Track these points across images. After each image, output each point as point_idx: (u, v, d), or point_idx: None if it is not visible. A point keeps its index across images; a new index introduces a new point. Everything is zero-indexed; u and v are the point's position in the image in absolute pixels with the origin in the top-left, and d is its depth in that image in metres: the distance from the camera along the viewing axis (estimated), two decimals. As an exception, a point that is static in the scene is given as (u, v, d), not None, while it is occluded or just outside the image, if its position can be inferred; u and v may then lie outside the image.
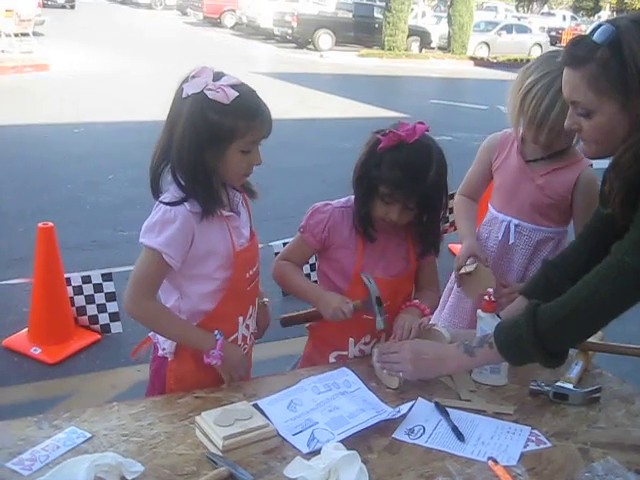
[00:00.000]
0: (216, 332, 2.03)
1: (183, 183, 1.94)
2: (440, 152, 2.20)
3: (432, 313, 2.46)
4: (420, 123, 2.17)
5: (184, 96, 1.91)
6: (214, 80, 1.91)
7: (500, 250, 2.68)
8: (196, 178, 1.93)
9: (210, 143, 1.91)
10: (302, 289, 2.33)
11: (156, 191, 2.01)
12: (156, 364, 2.14)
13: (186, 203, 1.94)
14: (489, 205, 2.79)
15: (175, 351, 2.08)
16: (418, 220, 2.26)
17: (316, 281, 2.49)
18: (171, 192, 1.96)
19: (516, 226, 2.63)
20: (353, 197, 2.31)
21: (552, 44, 31.21)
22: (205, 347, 2.02)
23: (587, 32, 1.82)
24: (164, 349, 2.09)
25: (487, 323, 2.13)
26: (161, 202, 1.95)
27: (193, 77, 1.92)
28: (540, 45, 30.30)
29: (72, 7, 33.50)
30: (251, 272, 2.13)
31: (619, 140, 1.75)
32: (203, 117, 1.88)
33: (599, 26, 1.75)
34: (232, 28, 33.44)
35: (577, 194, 2.53)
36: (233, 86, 1.91)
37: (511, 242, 2.64)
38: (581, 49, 1.77)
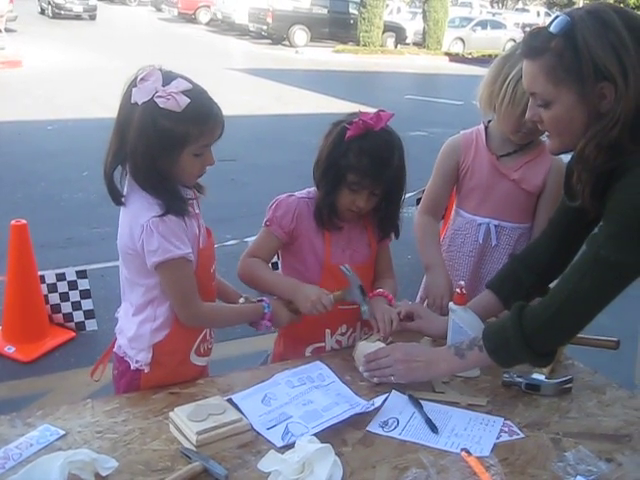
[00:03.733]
0: (264, 304, 2.17)
1: (147, 187, 1.92)
2: (398, 137, 2.23)
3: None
4: (382, 110, 2.19)
5: (133, 102, 1.86)
6: (164, 84, 1.86)
7: (480, 253, 2.63)
8: (156, 182, 1.91)
9: (163, 150, 1.88)
10: (275, 284, 2.30)
11: (116, 196, 1.98)
12: (128, 378, 2.08)
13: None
14: (458, 210, 2.71)
15: (151, 361, 2.04)
16: (380, 205, 2.27)
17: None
18: (140, 199, 1.93)
19: (496, 226, 2.58)
20: (314, 189, 2.32)
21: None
22: (257, 320, 2.17)
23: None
24: (138, 361, 2.04)
25: (458, 316, 2.15)
26: (151, 219, 1.88)
27: (142, 79, 1.87)
28: (514, 41, 30.16)
29: (93, 19, 29.99)
30: (212, 268, 2.14)
31: (579, 131, 1.76)
32: (155, 125, 1.84)
33: (556, 17, 1.77)
34: (207, 24, 33.31)
35: (550, 182, 2.51)
36: (184, 91, 1.86)
37: (494, 244, 2.59)
38: (538, 40, 1.78)
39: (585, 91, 1.71)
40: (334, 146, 2.19)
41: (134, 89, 1.87)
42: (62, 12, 28.97)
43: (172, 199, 1.92)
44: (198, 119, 1.89)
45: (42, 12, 30.35)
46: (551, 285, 2.10)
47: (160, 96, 1.84)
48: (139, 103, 1.85)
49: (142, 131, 1.86)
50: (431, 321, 2.31)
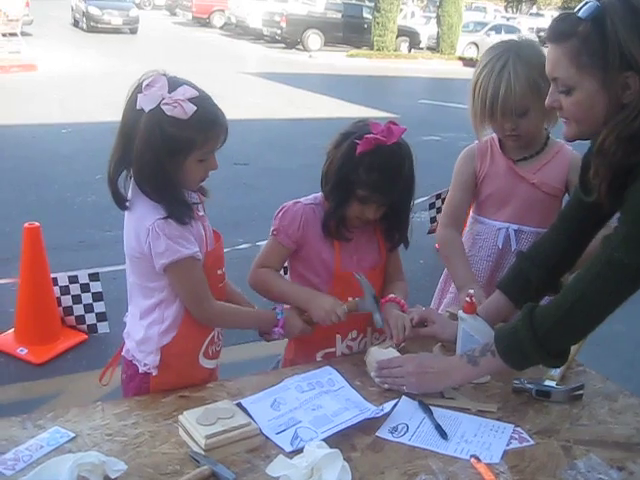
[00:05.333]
0: (277, 311, 2.18)
1: (150, 192, 1.93)
2: (407, 145, 2.21)
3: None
4: (393, 123, 2.17)
5: (138, 108, 1.87)
6: (170, 90, 1.86)
7: (497, 258, 2.61)
8: (161, 188, 1.92)
9: (169, 156, 1.89)
10: (289, 292, 2.30)
11: (120, 201, 1.99)
12: (137, 381, 2.09)
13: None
14: (476, 217, 2.69)
15: (159, 364, 2.05)
16: (389, 214, 2.27)
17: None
18: (144, 203, 1.94)
19: (515, 231, 2.56)
20: (320, 194, 2.32)
21: (541, 44, 31.25)
22: (269, 327, 2.19)
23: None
24: (146, 364, 2.06)
25: (468, 324, 2.14)
26: (156, 222, 1.90)
27: (147, 85, 1.87)
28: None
29: (133, 32, 26.92)
30: (220, 272, 2.14)
31: (599, 120, 1.74)
32: (161, 132, 1.85)
33: (586, 3, 1.74)
34: (221, 28, 33.43)
35: (571, 179, 2.47)
36: (190, 99, 1.86)
37: (514, 248, 2.55)
38: (565, 24, 1.76)
39: (609, 79, 1.69)
40: (344, 161, 2.17)
41: (140, 95, 1.88)
42: (99, 25, 25.71)
43: (175, 205, 1.93)
44: (204, 126, 1.90)
45: (75, 24, 27.45)
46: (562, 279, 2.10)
47: (167, 103, 1.85)
48: (145, 110, 1.86)
49: (148, 138, 1.86)
50: (444, 326, 2.30)
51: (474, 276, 2.54)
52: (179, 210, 1.93)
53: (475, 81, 2.41)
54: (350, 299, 2.24)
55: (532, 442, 1.85)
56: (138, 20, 26.91)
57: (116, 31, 26.13)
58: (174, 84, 1.89)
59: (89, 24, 25.77)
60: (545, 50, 2.44)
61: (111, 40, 23.40)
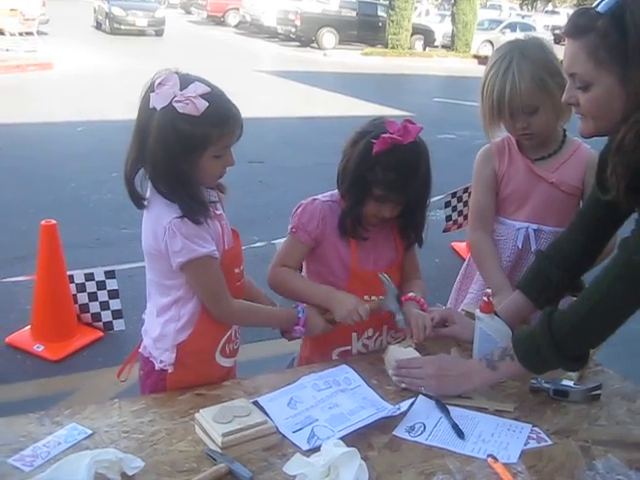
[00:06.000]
0: (299, 309, 2.18)
1: (165, 191, 1.93)
2: (424, 144, 2.21)
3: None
4: (409, 121, 2.16)
5: (151, 107, 1.87)
6: (181, 88, 1.86)
7: (517, 258, 2.59)
8: (176, 187, 1.92)
9: (183, 154, 1.89)
10: (310, 291, 2.28)
11: (137, 200, 1.99)
12: (153, 378, 2.09)
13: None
14: (495, 217, 2.65)
15: (175, 362, 2.06)
16: (405, 212, 2.26)
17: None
18: (161, 201, 1.94)
19: (535, 230, 2.54)
20: (336, 192, 2.31)
21: (556, 42, 30.98)
22: (290, 326, 2.18)
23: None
24: (162, 361, 2.06)
25: (486, 324, 2.13)
26: (173, 220, 1.90)
27: (159, 84, 1.88)
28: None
29: (159, 34, 25.83)
30: (237, 270, 2.13)
31: (617, 117, 1.71)
32: (174, 130, 1.85)
33: None
34: (236, 27, 33.49)
35: (588, 178, 2.44)
36: (202, 95, 1.86)
37: (533, 248, 2.53)
38: (583, 19, 1.74)
39: (627, 75, 1.66)
40: (360, 160, 2.16)
41: (152, 94, 1.88)
42: (122, 27, 24.80)
43: (189, 204, 1.92)
44: (217, 121, 1.90)
45: (98, 26, 26.70)
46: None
47: (178, 101, 1.84)
48: (157, 108, 1.86)
49: (161, 136, 1.87)
50: (465, 326, 2.28)
51: (508, 280, 2.50)
52: (194, 209, 1.93)
53: (482, 83, 2.42)
54: (374, 298, 2.24)
55: (550, 442, 1.84)
56: (164, 21, 25.98)
57: (141, 33, 25.31)
58: (186, 81, 1.89)
59: (112, 25, 24.94)
60: (553, 47, 2.42)
61: (131, 40, 23.37)
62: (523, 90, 2.31)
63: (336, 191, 2.32)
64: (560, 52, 2.38)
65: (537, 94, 2.32)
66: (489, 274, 2.56)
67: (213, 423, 1.73)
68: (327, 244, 2.30)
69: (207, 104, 1.86)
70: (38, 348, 4.31)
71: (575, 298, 1.93)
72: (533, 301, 2.22)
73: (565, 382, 2.08)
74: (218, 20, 34.41)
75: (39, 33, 19.15)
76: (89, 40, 22.67)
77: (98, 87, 14.21)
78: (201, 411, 1.79)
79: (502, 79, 2.33)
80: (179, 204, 1.91)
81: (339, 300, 2.20)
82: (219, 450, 1.68)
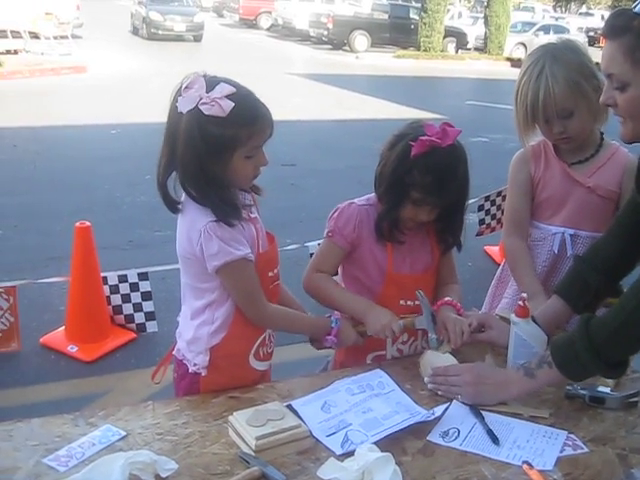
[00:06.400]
0: (333, 319, 2.17)
1: (195, 195, 1.93)
2: (463, 148, 2.18)
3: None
4: (448, 124, 2.14)
5: (179, 111, 1.87)
6: (208, 90, 1.85)
7: (553, 264, 2.55)
8: (206, 190, 1.92)
9: (213, 156, 1.88)
10: (345, 301, 2.28)
11: (171, 205, 2.00)
12: (187, 381, 2.10)
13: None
14: (531, 221, 2.61)
15: (208, 365, 2.06)
16: (443, 216, 2.24)
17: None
18: (196, 207, 1.95)
19: (571, 236, 2.50)
20: (373, 195, 2.30)
21: (590, 44, 30.78)
22: (321, 335, 2.18)
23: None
24: (196, 364, 2.07)
25: (521, 328, 2.10)
26: (208, 224, 1.91)
27: (186, 88, 1.87)
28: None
29: (198, 40, 25.35)
30: (271, 273, 2.13)
31: None
32: (200, 133, 1.85)
33: None
34: (268, 30, 33.61)
35: (626, 183, 2.41)
36: (228, 96, 1.86)
37: (569, 253, 2.49)
38: (620, 20, 1.74)
39: None
40: (398, 162, 2.15)
41: (179, 98, 1.88)
42: (160, 32, 24.36)
43: (220, 206, 1.92)
44: (245, 121, 1.89)
45: (135, 32, 26.35)
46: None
47: (204, 103, 1.84)
48: (184, 112, 1.86)
49: (189, 140, 1.87)
50: (502, 331, 2.25)
51: (541, 286, 2.47)
52: (225, 212, 1.92)
53: (516, 89, 2.39)
54: (409, 303, 2.24)
55: (586, 450, 1.81)
56: (203, 26, 25.49)
57: (178, 38, 24.88)
58: (212, 83, 1.88)
59: (149, 30, 24.57)
60: (587, 49, 2.40)
61: (167, 45, 23.46)
62: (557, 94, 2.28)
63: (373, 195, 2.30)
64: (595, 54, 2.36)
65: (571, 98, 2.29)
66: (523, 280, 2.53)
67: (247, 426, 1.73)
68: (363, 248, 2.28)
69: (233, 104, 1.85)
70: (72, 349, 4.35)
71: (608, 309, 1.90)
72: (571, 306, 2.19)
73: (601, 389, 2.05)
74: (250, 23, 34.55)
75: (73, 37, 19.37)
76: (125, 44, 22.78)
77: (131, 89, 14.35)
78: (235, 414, 1.79)
79: (535, 84, 2.31)
80: (211, 208, 1.92)
81: (374, 314, 2.19)
82: (252, 453, 1.68)
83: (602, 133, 2.50)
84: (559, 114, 2.32)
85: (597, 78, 2.29)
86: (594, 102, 2.25)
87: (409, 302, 2.25)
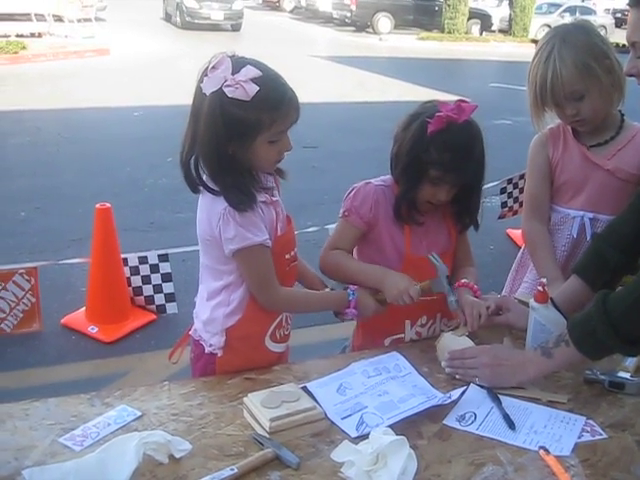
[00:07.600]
0: (349, 291, 2.14)
1: (212, 177, 1.91)
2: (478, 126, 2.16)
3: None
4: (462, 100, 2.12)
5: (203, 92, 1.84)
6: (233, 72, 1.82)
7: (572, 247, 2.53)
8: (220, 173, 1.90)
9: (235, 138, 1.85)
10: (361, 272, 2.25)
11: (193, 184, 1.97)
12: (203, 361, 2.11)
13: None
14: (550, 205, 2.58)
15: (224, 345, 2.06)
16: (460, 196, 2.22)
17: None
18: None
19: (591, 219, 2.47)
20: (389, 177, 2.28)
21: (617, 26, 30.32)
22: (341, 308, 2.16)
23: None
24: (211, 345, 2.07)
25: (540, 314, 2.08)
26: (228, 208, 1.89)
27: (212, 68, 1.84)
28: (605, 27, 29.37)
29: (236, 29, 23.61)
30: (288, 255, 2.11)
31: None
32: (222, 115, 1.82)
33: None
34: (291, 12, 33.54)
35: None
36: (254, 79, 1.82)
37: (589, 237, 2.46)
38: None
39: None
40: (415, 141, 2.12)
41: (205, 78, 1.85)
42: (195, 20, 22.59)
43: (232, 192, 1.89)
44: (269, 106, 1.85)
45: (167, 18, 25.02)
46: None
47: (228, 85, 1.81)
48: (207, 93, 1.83)
49: (210, 121, 1.84)
50: (520, 314, 2.22)
51: (560, 272, 2.44)
52: (236, 198, 1.90)
53: (528, 73, 2.37)
54: (423, 281, 2.20)
55: (605, 436, 1.79)
56: (242, 15, 23.72)
57: (215, 27, 23.21)
58: (238, 65, 1.84)
59: (184, 19, 22.88)
60: (606, 30, 2.36)
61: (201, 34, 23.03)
62: (564, 77, 2.25)
63: (389, 176, 2.28)
64: (621, 36, 2.31)
65: (581, 80, 2.25)
66: (542, 265, 2.51)
67: (261, 408, 1.72)
68: (380, 229, 2.26)
69: (257, 88, 1.82)
70: (92, 330, 4.39)
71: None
72: (590, 285, 2.16)
73: (621, 374, 2.02)
74: (273, 5, 34.53)
75: (97, 19, 19.41)
76: (154, 31, 22.05)
77: (154, 72, 14.38)
78: (249, 395, 1.78)
79: (544, 67, 2.28)
80: (223, 193, 1.89)
81: (391, 279, 2.16)
82: (267, 435, 1.68)
83: (623, 115, 2.45)
84: (569, 97, 2.29)
85: (609, 58, 2.25)
86: (607, 82, 2.23)
87: (430, 280, 2.21)
